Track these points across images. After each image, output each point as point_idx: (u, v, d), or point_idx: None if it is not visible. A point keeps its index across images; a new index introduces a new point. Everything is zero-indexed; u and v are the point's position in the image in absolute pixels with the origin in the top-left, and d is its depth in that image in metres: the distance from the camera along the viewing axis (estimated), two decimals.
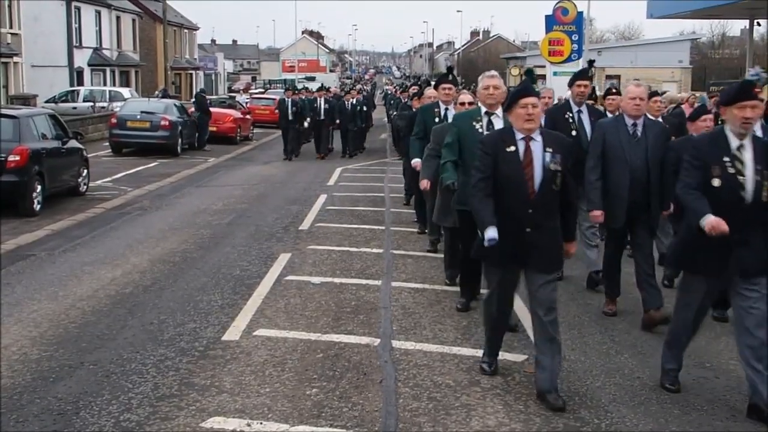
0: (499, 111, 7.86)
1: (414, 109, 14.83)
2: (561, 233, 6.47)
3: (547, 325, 6.29)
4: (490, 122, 8.18)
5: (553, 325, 6.31)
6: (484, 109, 8.15)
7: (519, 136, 6.32)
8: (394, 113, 26.37)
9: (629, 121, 8.45)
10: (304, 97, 29.55)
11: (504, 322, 6.99)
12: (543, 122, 8.09)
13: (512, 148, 6.27)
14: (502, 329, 7.02)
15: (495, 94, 7.97)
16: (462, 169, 8.09)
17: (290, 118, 27.63)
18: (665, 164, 8.32)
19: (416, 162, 10.94)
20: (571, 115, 9.96)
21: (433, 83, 14.70)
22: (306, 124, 28.29)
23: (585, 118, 9.99)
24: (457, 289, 9.41)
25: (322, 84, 35.04)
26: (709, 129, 8.99)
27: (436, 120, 10.91)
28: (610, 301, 8.99)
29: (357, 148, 29.87)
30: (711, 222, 5.94)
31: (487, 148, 6.41)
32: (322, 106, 28.65)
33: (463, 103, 9.32)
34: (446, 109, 11.12)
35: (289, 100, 28.03)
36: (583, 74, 10.51)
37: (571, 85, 10.15)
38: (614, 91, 11.59)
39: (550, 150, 6.28)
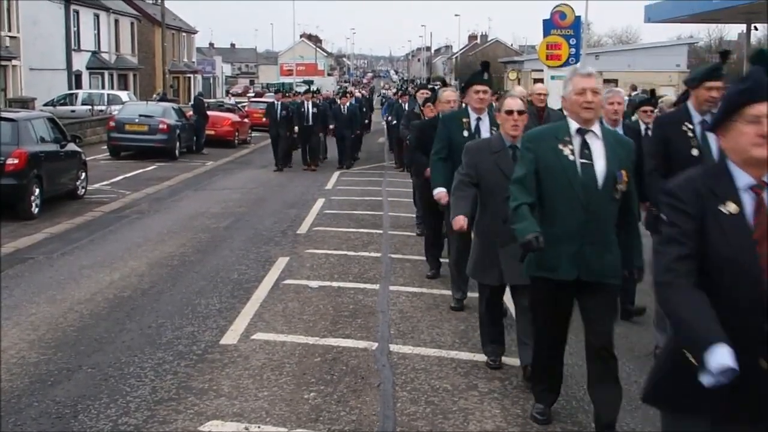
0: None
1: (424, 117, 12.70)
2: None
3: None
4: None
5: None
6: (574, 126, 5.50)
7: None
8: (393, 120, 25.35)
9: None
10: (294, 101, 26.62)
11: None
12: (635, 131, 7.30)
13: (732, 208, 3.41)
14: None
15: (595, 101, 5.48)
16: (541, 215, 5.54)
17: (279, 123, 25.25)
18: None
19: (441, 193, 8.44)
20: (690, 127, 7.05)
21: (452, 84, 13.27)
22: (296, 130, 25.41)
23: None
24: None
25: (309, 86, 33.11)
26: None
27: (465, 134, 8.36)
28: None
29: (352, 157, 27.46)
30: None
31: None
32: (310, 111, 25.50)
33: (511, 112, 6.65)
34: (478, 119, 8.44)
35: (279, 103, 25.73)
36: (715, 73, 7.10)
37: (693, 85, 7.16)
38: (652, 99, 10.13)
39: None
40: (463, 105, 9.12)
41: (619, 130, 7.93)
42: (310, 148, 25.77)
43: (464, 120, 8.50)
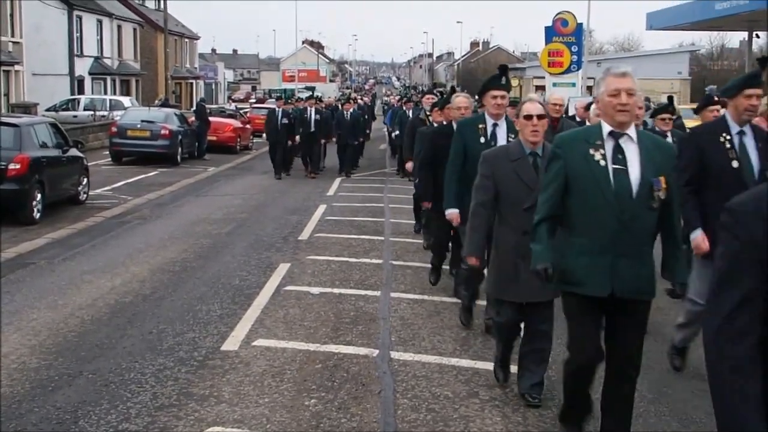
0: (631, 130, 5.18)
1: (432, 124, 12.42)
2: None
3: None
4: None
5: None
6: (607, 129, 5.12)
7: None
8: (396, 131, 24.78)
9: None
10: (300, 107, 25.85)
11: None
12: (678, 147, 6.82)
13: None
14: None
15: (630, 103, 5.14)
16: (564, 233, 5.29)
17: (277, 131, 24.32)
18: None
19: (453, 214, 8.28)
20: (728, 137, 6.77)
21: (457, 90, 12.35)
22: (297, 140, 24.62)
23: (750, 142, 6.82)
24: (456, 300, 9.38)
25: (312, 92, 31.79)
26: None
27: (481, 140, 7.88)
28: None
29: (352, 165, 26.46)
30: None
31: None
32: (313, 117, 24.86)
33: (530, 117, 6.27)
34: (495, 125, 7.95)
35: (280, 110, 24.85)
36: (755, 80, 6.87)
37: (731, 95, 6.84)
38: (716, 99, 9.01)
39: None
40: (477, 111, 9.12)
41: None
42: (311, 156, 25.20)
43: (480, 126, 7.99)
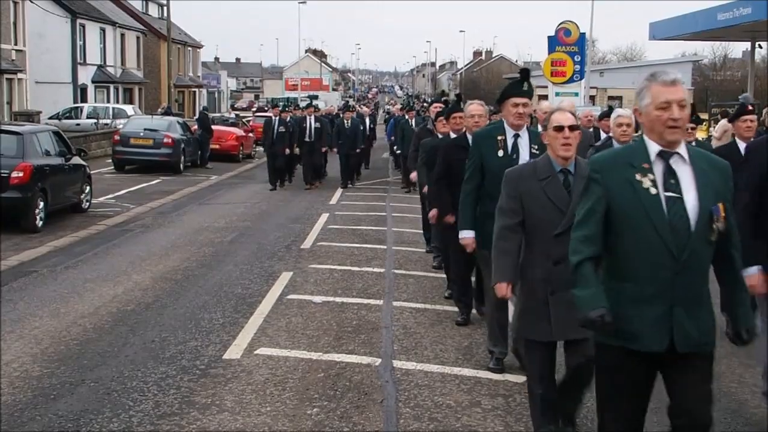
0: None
1: (437, 135, 11.59)
2: None
3: None
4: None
5: None
6: (655, 148, 4.26)
7: None
8: (397, 144, 24.30)
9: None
10: (295, 116, 25.18)
11: None
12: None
13: None
14: None
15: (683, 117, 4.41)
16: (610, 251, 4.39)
17: (274, 140, 23.53)
18: None
19: (469, 239, 7.48)
20: None
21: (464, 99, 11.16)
22: (296, 150, 23.98)
23: None
24: (456, 309, 9.38)
25: (311, 100, 30.82)
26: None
27: (500, 154, 7.07)
28: None
29: (353, 175, 25.59)
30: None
31: None
32: (313, 126, 23.95)
33: (561, 128, 5.52)
34: (516, 136, 7.07)
35: (277, 119, 23.94)
36: None
37: None
38: (750, 107, 8.77)
39: None
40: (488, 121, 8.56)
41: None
42: (312, 166, 24.40)
43: (499, 138, 7.11)
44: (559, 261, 5.15)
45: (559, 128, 5.46)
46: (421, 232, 14.13)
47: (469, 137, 8.08)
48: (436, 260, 12.19)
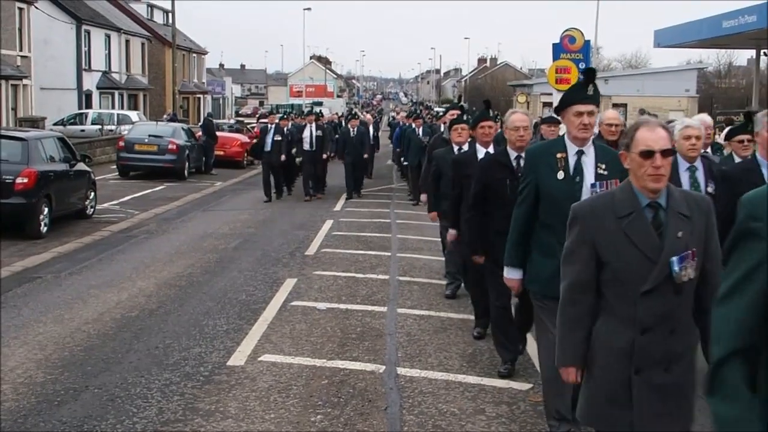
0: None
1: (455, 146, 9.91)
2: None
3: None
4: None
5: None
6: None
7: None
8: (403, 155, 23.45)
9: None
10: (296, 124, 24.12)
11: None
12: None
13: None
14: None
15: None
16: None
17: (269, 149, 22.11)
18: None
19: (515, 280, 6.08)
20: None
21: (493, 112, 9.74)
22: (297, 161, 22.84)
23: None
24: (462, 316, 9.38)
25: (311, 107, 29.49)
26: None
27: (560, 176, 5.57)
28: None
29: (357, 186, 24.05)
30: None
31: None
32: (314, 134, 22.60)
33: (650, 153, 4.02)
34: (580, 153, 5.59)
35: (273, 127, 22.41)
36: None
37: None
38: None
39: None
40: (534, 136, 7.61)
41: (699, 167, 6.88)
42: (313, 176, 23.08)
43: (559, 156, 5.61)
44: (648, 328, 3.99)
45: (647, 154, 4.01)
46: (425, 239, 14.13)
47: (512, 153, 7.05)
48: (449, 288, 10.85)
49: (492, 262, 7.11)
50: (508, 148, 7.15)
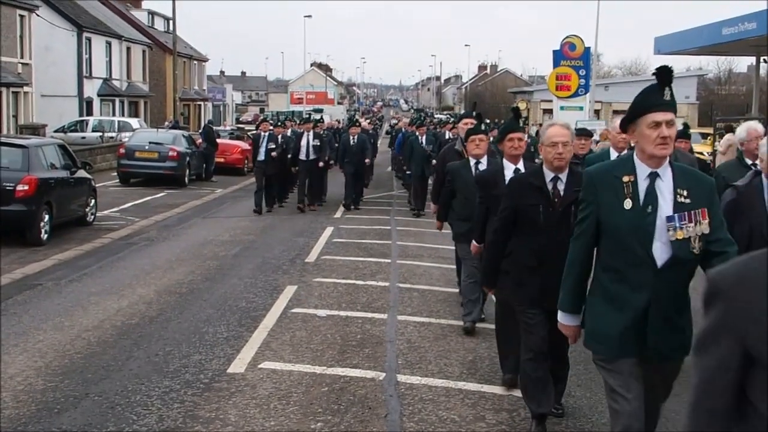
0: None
1: (471, 160, 9.06)
2: None
3: None
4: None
5: None
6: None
7: None
8: (407, 164, 22.21)
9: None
10: (295, 131, 22.97)
11: None
12: None
13: None
14: None
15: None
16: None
17: (262, 158, 20.99)
18: None
19: (572, 328, 4.93)
20: None
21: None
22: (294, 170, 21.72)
23: None
24: (461, 323, 9.39)
25: (310, 114, 27.60)
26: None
27: (626, 205, 4.44)
28: None
29: (354, 197, 22.57)
30: None
31: None
32: (311, 143, 21.36)
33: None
34: (654, 176, 4.49)
35: (266, 135, 21.26)
36: None
37: None
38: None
39: None
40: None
41: None
42: (311, 186, 21.90)
43: (626, 179, 4.45)
44: None
45: None
46: (425, 246, 14.12)
47: (547, 173, 6.03)
48: (467, 320, 9.40)
49: (522, 302, 6.16)
50: (544, 167, 6.06)
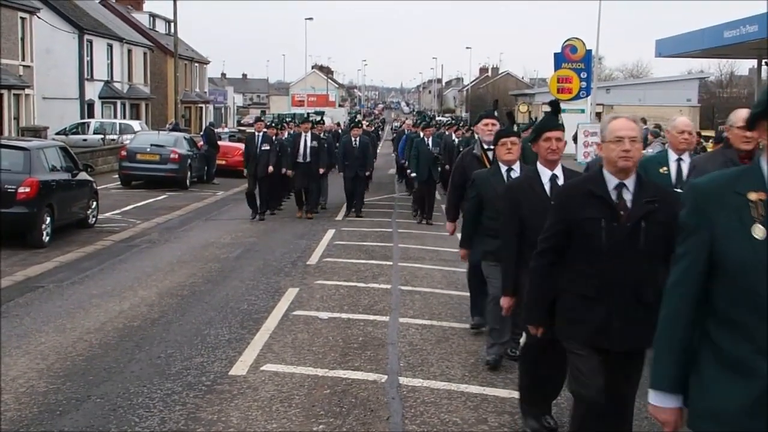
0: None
1: (502, 167, 7.80)
2: None
3: None
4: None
5: None
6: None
7: None
8: (411, 167, 20.55)
9: None
10: (292, 132, 22.34)
11: None
12: None
13: None
14: None
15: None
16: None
17: (259, 160, 19.98)
18: None
19: (670, 411, 3.32)
20: None
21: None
22: (289, 173, 20.46)
23: None
24: (465, 325, 9.37)
25: (308, 115, 25.53)
26: None
27: (757, 234, 2.98)
28: None
29: (357, 204, 21.35)
30: None
31: None
32: (309, 145, 20.10)
33: None
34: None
35: (260, 135, 20.19)
36: None
37: None
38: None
39: None
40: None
41: None
42: (307, 191, 20.61)
43: (755, 197, 3.04)
44: None
45: None
46: (427, 248, 14.10)
47: (610, 179, 4.81)
48: (491, 353, 8.19)
49: (574, 341, 5.02)
50: (604, 170, 4.85)
